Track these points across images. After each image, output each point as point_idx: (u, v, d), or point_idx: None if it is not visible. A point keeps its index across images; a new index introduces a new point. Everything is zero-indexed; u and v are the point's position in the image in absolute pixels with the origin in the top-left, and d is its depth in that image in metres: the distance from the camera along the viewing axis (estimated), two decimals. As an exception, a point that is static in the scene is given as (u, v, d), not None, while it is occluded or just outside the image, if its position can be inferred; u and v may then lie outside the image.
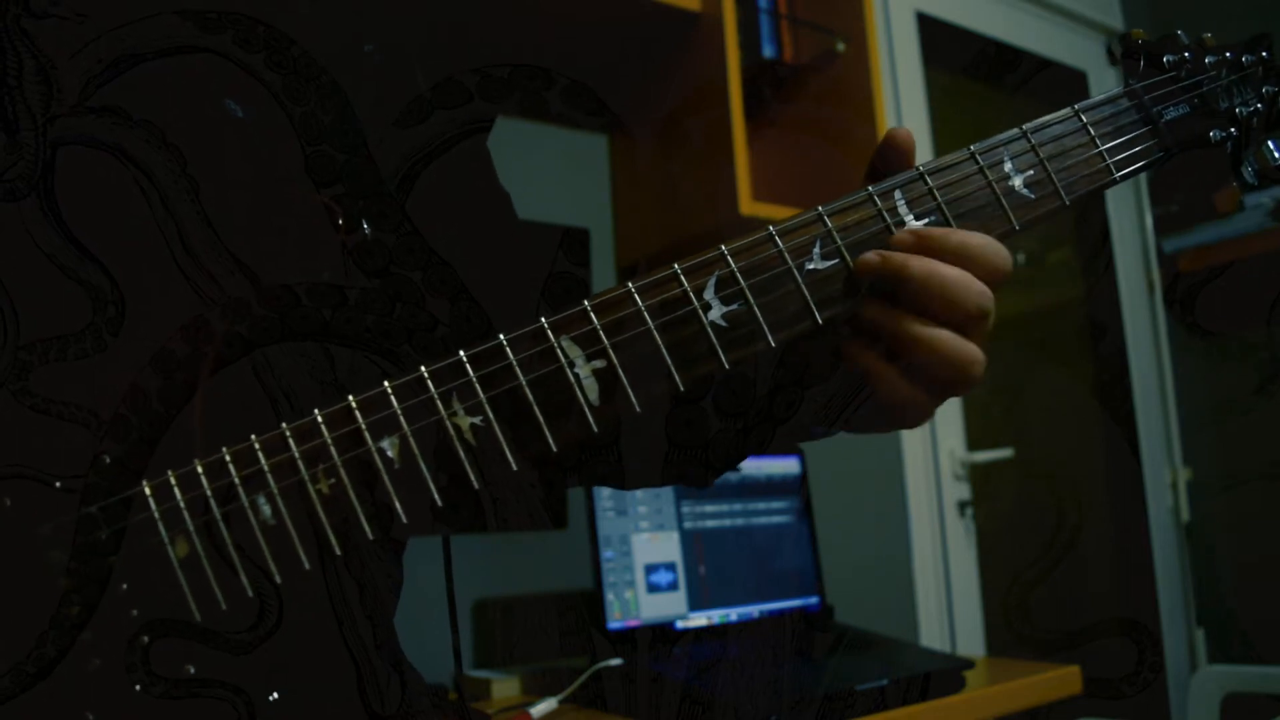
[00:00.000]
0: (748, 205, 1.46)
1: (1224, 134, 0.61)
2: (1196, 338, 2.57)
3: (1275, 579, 2.34)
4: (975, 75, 2.52)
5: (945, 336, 0.50)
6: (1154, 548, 2.45)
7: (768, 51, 1.67)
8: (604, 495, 1.39)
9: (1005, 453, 2.19)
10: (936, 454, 2.14)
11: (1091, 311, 2.62)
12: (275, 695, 0.48)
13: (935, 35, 2.28)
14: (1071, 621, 2.45)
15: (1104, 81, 2.60)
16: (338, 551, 0.45)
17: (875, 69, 1.58)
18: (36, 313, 0.47)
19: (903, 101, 2.17)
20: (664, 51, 1.56)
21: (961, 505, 2.15)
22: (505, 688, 1.32)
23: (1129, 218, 2.61)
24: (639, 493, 1.42)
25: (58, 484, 0.44)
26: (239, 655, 0.47)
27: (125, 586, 0.44)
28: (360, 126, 0.58)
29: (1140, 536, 2.46)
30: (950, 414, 2.19)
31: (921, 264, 0.50)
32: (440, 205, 0.61)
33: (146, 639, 0.44)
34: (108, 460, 0.45)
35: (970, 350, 0.51)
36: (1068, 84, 2.52)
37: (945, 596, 2.09)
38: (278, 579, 0.45)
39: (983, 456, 2.18)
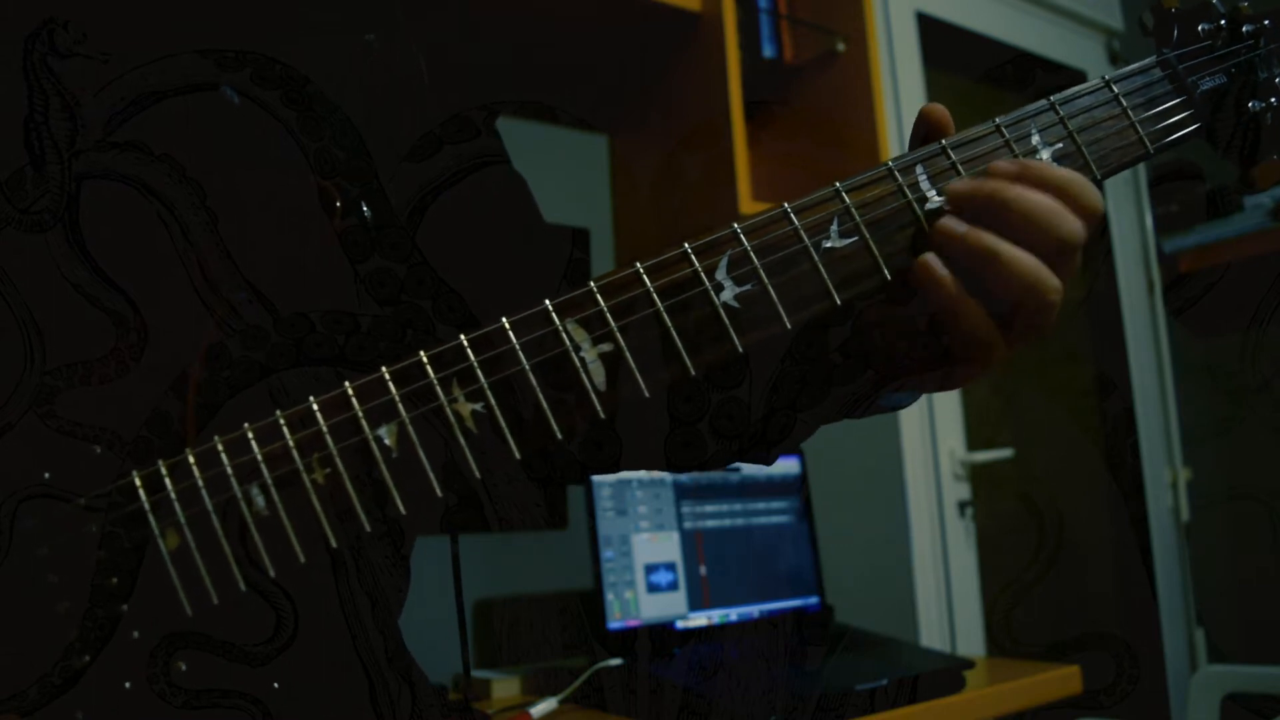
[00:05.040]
0: (748, 205, 1.46)
1: (1263, 104, 0.59)
2: (1196, 338, 2.57)
3: (1274, 579, 2.34)
4: (976, 77, 2.52)
5: (1024, 255, 0.48)
6: (1154, 548, 2.45)
7: (768, 51, 1.67)
8: (604, 495, 1.39)
9: (1005, 453, 2.19)
10: (936, 454, 2.14)
11: (1091, 311, 2.62)
12: (276, 684, 0.49)
13: (935, 35, 2.28)
14: (1069, 624, 2.44)
15: (1104, 82, 2.60)
16: (333, 543, 0.45)
17: (875, 69, 1.58)
18: (62, 338, 0.49)
19: (903, 101, 2.17)
20: (664, 51, 1.56)
21: (961, 505, 2.15)
22: (505, 688, 1.32)
23: (1129, 218, 2.61)
24: (639, 492, 1.42)
25: (83, 500, 0.45)
26: (256, 667, 0.48)
27: (115, 580, 0.44)
28: (372, 161, 0.59)
29: (1140, 536, 2.46)
30: (950, 414, 2.19)
31: (1018, 190, 0.49)
32: (453, 229, 0.62)
33: (159, 647, 0.45)
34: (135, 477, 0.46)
35: (1049, 275, 0.49)
36: (1068, 85, 2.52)
37: (945, 596, 2.09)
38: (271, 572, 0.45)
39: (983, 456, 2.18)
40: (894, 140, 2.01)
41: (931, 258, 0.49)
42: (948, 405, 2.18)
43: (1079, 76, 2.56)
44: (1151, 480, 2.49)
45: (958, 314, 0.50)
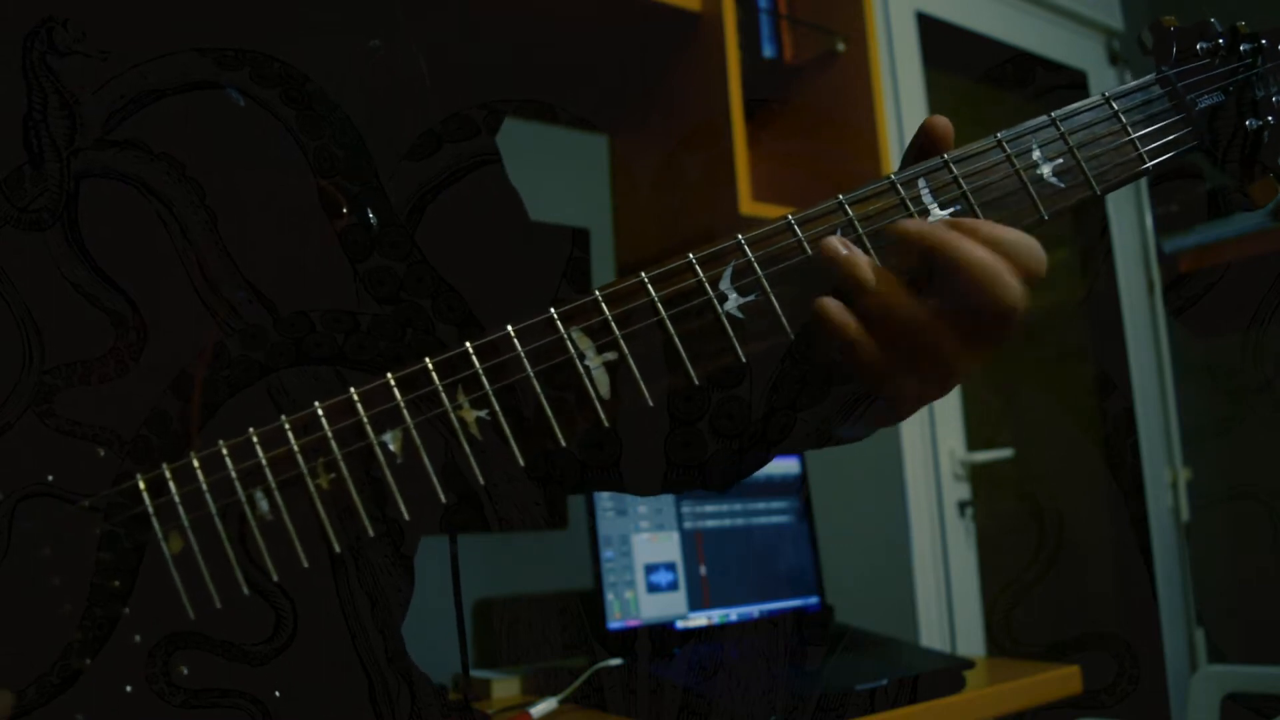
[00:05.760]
0: (748, 205, 1.46)
1: (1260, 123, 0.59)
2: (1196, 338, 2.57)
3: (1274, 579, 2.34)
4: (976, 77, 2.52)
5: (987, 256, 0.47)
6: (1154, 548, 2.45)
7: (768, 51, 1.67)
8: (604, 495, 1.39)
9: (1005, 453, 2.19)
10: (936, 454, 2.14)
11: (1091, 311, 2.62)
12: (278, 693, 0.49)
13: (935, 35, 2.28)
14: (1069, 624, 2.44)
15: (1104, 82, 2.60)
16: (337, 548, 0.45)
17: (875, 69, 1.58)
18: (61, 337, 0.48)
19: (903, 101, 2.17)
20: (664, 52, 1.56)
21: (961, 505, 2.15)
22: (505, 688, 1.32)
23: (1129, 218, 2.61)
24: (639, 492, 1.42)
25: (86, 503, 0.44)
26: (256, 666, 0.48)
27: (118, 583, 0.44)
28: (372, 160, 0.59)
29: (1140, 536, 2.46)
30: (950, 414, 2.19)
31: (965, 243, 0.48)
32: (452, 228, 0.62)
33: (158, 646, 0.45)
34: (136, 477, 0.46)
35: (1012, 283, 0.47)
36: (1068, 85, 2.52)
37: (945, 596, 2.09)
38: (275, 576, 0.45)
39: (983, 456, 2.18)
40: (894, 140, 2.01)
41: (831, 302, 0.49)
42: (948, 405, 2.18)
43: (1079, 76, 2.56)
44: (1151, 480, 2.49)
45: (857, 355, 0.49)
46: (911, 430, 2.11)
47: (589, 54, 1.58)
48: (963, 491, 2.17)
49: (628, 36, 1.54)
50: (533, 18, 1.45)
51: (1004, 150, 0.54)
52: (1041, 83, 2.47)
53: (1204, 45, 0.60)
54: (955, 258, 0.48)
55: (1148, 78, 0.59)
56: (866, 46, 1.59)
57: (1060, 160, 0.54)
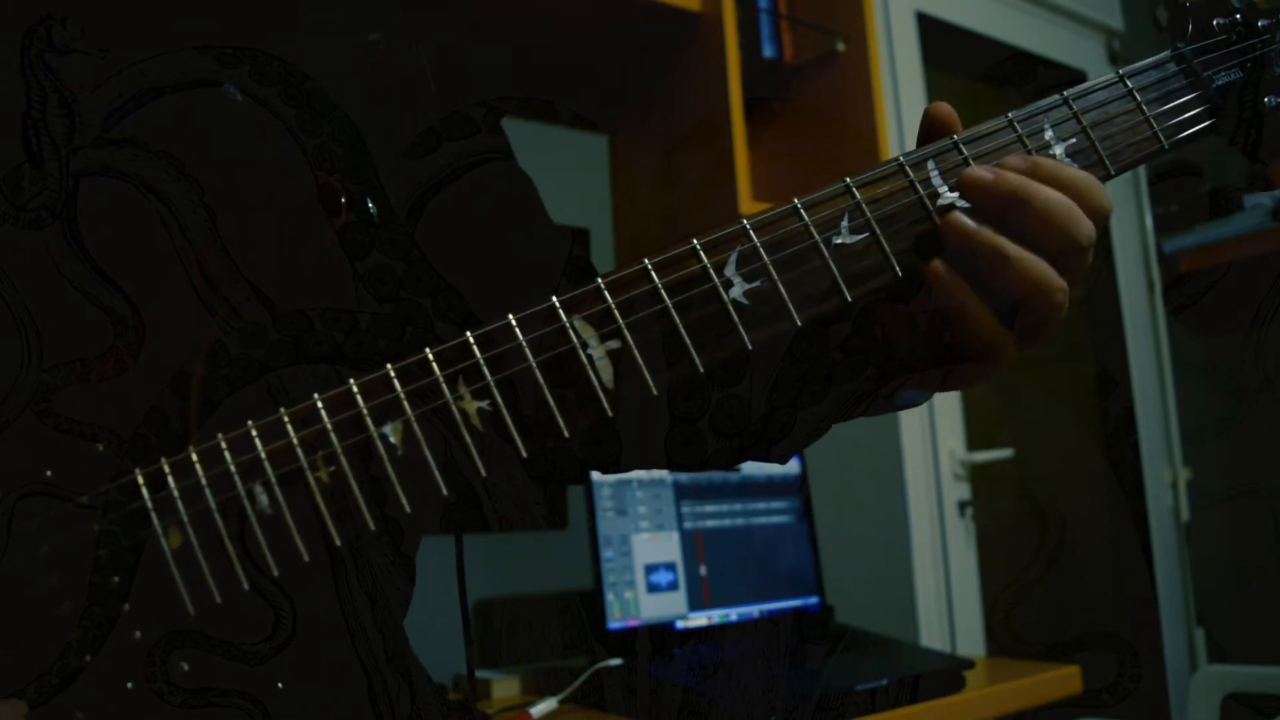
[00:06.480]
0: (748, 205, 1.46)
1: (1278, 100, 0.58)
2: (1196, 337, 2.57)
3: (1275, 579, 2.34)
4: (976, 77, 2.52)
5: (1032, 256, 0.48)
6: (1154, 548, 2.45)
7: (768, 51, 1.67)
8: (604, 495, 1.39)
9: (1005, 453, 2.19)
10: (936, 454, 2.14)
11: (1092, 311, 2.62)
12: (280, 685, 0.49)
13: (935, 35, 2.28)
14: (1069, 624, 2.44)
15: (1103, 82, 2.59)
16: (337, 542, 0.45)
17: (875, 69, 1.58)
18: (59, 336, 0.48)
19: (903, 101, 2.17)
20: (664, 52, 1.56)
21: (961, 505, 2.15)
22: (505, 688, 1.32)
23: (1129, 218, 2.61)
24: (639, 493, 1.42)
25: (84, 499, 0.44)
26: (255, 665, 0.48)
27: (117, 580, 0.44)
28: (371, 158, 0.58)
29: (1140, 536, 2.46)
30: (950, 414, 2.19)
31: (1038, 187, 0.49)
32: (452, 226, 0.62)
33: (157, 645, 0.45)
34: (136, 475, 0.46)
35: (1055, 276, 0.48)
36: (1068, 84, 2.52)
37: (945, 596, 2.09)
38: (275, 571, 0.44)
39: (983, 456, 2.18)
40: (894, 140, 2.01)
41: (942, 264, 0.49)
42: (948, 405, 2.18)
43: (1079, 76, 2.56)
44: (1151, 480, 2.49)
45: (965, 315, 0.49)
46: (911, 430, 2.11)
47: (589, 54, 1.58)
48: (963, 491, 2.17)
49: (628, 36, 1.54)
50: (533, 18, 1.45)
51: (1015, 130, 0.52)
52: (1042, 80, 2.47)
53: (1221, 21, 0.58)
54: (1033, 202, 0.48)
55: (1163, 54, 0.57)
56: (866, 46, 1.59)
57: (1073, 140, 0.53)
